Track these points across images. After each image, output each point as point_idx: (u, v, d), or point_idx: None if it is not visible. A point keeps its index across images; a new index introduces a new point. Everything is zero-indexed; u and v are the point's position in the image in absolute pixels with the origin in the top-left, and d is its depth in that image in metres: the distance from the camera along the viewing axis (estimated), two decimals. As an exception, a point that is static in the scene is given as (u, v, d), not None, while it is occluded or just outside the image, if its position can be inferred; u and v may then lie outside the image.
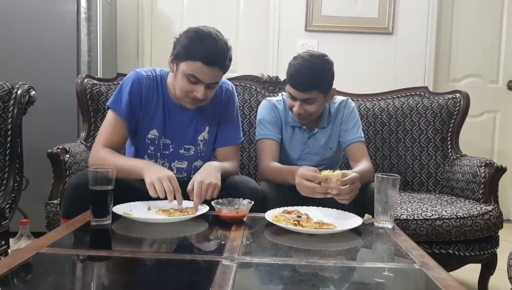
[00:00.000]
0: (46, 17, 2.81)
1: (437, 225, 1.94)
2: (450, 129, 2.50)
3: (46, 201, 2.02)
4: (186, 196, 1.55)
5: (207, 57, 1.60)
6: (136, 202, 1.57)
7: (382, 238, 1.41)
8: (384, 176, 1.46)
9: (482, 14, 3.68)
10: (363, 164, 1.81)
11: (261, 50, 3.64)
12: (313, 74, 1.77)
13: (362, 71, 3.52)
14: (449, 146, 2.49)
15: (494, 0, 3.67)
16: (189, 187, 1.55)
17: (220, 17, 3.60)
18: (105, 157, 1.68)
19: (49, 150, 2.05)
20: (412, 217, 1.95)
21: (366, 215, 1.55)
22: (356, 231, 1.40)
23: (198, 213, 1.47)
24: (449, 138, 2.50)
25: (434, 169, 2.48)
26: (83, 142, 2.35)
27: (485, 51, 3.70)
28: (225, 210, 1.45)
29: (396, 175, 1.47)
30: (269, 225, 1.42)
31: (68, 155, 2.08)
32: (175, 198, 1.50)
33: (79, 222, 1.41)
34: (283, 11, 3.55)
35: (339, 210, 1.56)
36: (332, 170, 1.54)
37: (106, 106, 1.82)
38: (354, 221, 1.44)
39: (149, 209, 1.54)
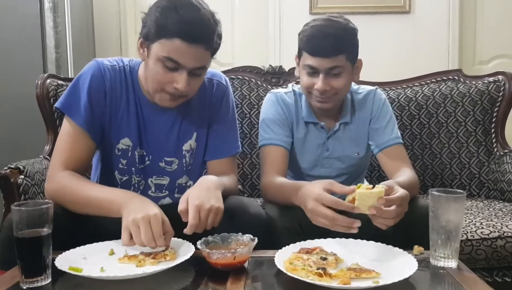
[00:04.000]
0: (2, 12, 2.36)
1: (498, 246, 1.49)
2: (494, 119, 2.04)
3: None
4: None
5: (187, 31, 1.18)
6: (96, 244, 1.15)
7: (444, 285, 0.98)
8: (443, 194, 1.02)
9: (511, -16, 3.28)
10: (406, 174, 1.35)
11: (260, 38, 3.28)
12: (339, 33, 1.38)
13: (377, 56, 3.11)
14: (494, 140, 2.04)
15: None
16: (181, 206, 1.14)
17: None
18: (67, 184, 1.24)
19: (-3, 172, 1.62)
20: (465, 236, 1.50)
21: (416, 247, 1.13)
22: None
23: (180, 260, 1.04)
24: (493, 130, 2.04)
25: (477, 169, 2.03)
26: (47, 157, 1.90)
27: (516, 27, 3.29)
28: (216, 255, 1.01)
29: (460, 191, 1.03)
30: (282, 273, 0.98)
31: (22, 176, 1.64)
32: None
33: (5, 284, 0.98)
34: (284, -8, 3.17)
35: (378, 243, 1.12)
36: (371, 185, 1.07)
37: (54, 108, 1.37)
38: (404, 264, 0.99)
39: (111, 253, 1.12)
